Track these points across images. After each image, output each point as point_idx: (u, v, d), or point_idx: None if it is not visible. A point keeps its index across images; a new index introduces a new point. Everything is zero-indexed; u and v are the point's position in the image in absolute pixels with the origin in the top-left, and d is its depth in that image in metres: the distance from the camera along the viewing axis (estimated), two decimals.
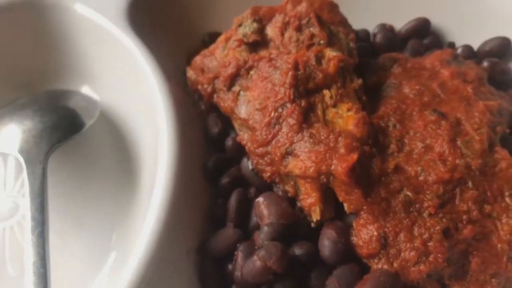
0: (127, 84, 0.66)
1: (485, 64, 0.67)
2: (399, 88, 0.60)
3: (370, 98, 0.60)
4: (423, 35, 0.72)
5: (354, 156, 0.50)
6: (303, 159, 0.52)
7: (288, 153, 0.53)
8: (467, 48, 0.70)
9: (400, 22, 0.74)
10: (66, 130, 0.59)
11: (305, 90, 0.56)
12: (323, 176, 0.51)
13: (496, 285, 0.48)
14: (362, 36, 0.72)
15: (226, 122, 0.62)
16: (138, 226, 0.56)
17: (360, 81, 0.58)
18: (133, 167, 0.63)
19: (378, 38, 0.71)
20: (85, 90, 0.70)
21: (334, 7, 0.65)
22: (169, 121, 0.57)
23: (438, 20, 0.73)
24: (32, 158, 0.56)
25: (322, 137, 0.52)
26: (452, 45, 0.72)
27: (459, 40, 0.72)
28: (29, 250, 0.48)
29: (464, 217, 0.50)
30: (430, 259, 0.48)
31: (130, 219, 0.60)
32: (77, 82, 0.69)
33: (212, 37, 0.75)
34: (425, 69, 0.63)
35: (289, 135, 0.54)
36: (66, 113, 0.62)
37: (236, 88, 0.61)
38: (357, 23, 0.69)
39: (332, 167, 0.50)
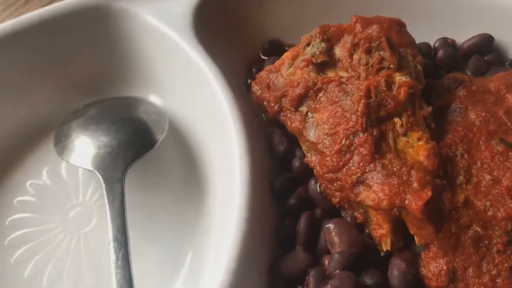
0: (192, 95, 0.67)
1: None
2: (465, 113, 0.61)
3: (436, 122, 0.61)
4: (486, 52, 0.72)
5: (429, 193, 0.51)
6: (376, 190, 0.53)
7: (359, 182, 0.55)
8: None
9: (459, 36, 0.74)
10: (139, 147, 0.61)
11: (376, 118, 0.57)
12: (395, 209, 0.52)
13: None
14: (424, 50, 0.72)
15: (291, 140, 0.64)
16: (212, 242, 0.59)
17: (430, 108, 0.59)
18: (201, 183, 0.64)
19: (441, 54, 0.71)
20: (153, 99, 0.71)
21: (402, 27, 0.65)
22: (239, 135, 0.58)
23: (500, 35, 0.73)
24: (110, 176, 0.58)
25: (395, 169, 0.54)
26: None
27: None
28: (115, 273, 0.51)
29: None
30: None
31: (201, 234, 0.62)
32: (144, 91, 0.70)
33: (272, 45, 0.75)
34: (490, 93, 0.63)
35: (361, 164, 0.55)
36: (138, 128, 0.63)
37: (303, 108, 0.62)
38: (417, 36, 0.69)
39: (406, 202, 0.52)
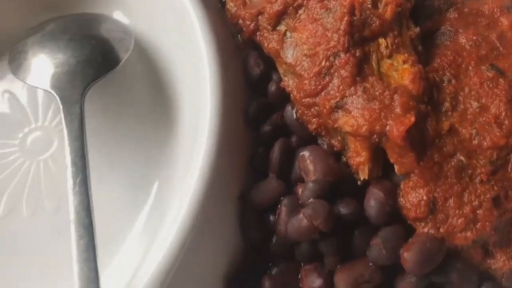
0: (161, 13, 0.61)
1: None
2: (455, 37, 0.56)
3: (424, 45, 0.56)
4: None
5: (412, 118, 0.47)
6: (355, 115, 0.49)
7: (338, 107, 0.51)
8: None
9: None
10: (100, 66, 0.56)
11: (360, 38, 0.52)
12: (375, 136, 0.49)
13: None
14: None
15: (268, 63, 0.59)
16: (179, 172, 0.55)
17: (417, 29, 0.54)
18: (170, 103, 0.60)
19: None
20: (117, 15, 0.65)
21: None
22: (211, 58, 0.53)
23: None
24: (68, 97, 0.53)
25: (377, 93, 0.50)
26: None
27: None
28: (72, 200, 0.47)
29: None
30: (478, 226, 0.48)
31: (171, 158, 0.57)
32: (109, 7, 0.64)
33: None
34: (483, 15, 0.58)
35: (341, 88, 0.51)
36: (99, 46, 0.58)
37: (282, 27, 0.56)
38: None
39: (387, 128, 0.48)
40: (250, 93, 0.59)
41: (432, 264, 0.47)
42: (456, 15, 0.59)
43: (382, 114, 0.49)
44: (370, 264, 0.48)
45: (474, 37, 0.55)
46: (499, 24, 0.57)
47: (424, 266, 0.47)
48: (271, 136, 0.55)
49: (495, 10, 0.58)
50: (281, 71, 0.56)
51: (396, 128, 0.47)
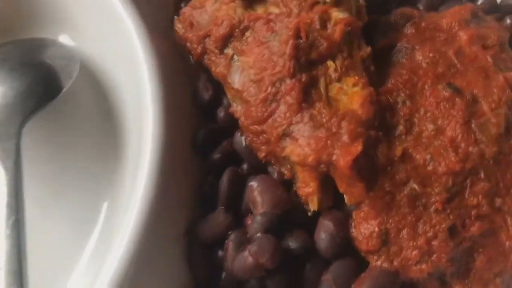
0: (107, 35, 0.59)
1: (508, 21, 0.60)
2: (411, 54, 0.54)
3: (378, 63, 0.53)
4: None
5: (359, 147, 0.45)
6: (301, 144, 0.47)
7: (285, 135, 0.48)
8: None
9: None
10: (41, 96, 0.53)
11: (307, 61, 0.50)
12: (323, 165, 0.46)
13: (500, 284, 0.46)
14: None
15: (218, 87, 0.56)
16: (125, 198, 0.53)
17: (369, 49, 0.52)
18: (117, 129, 0.57)
19: None
20: (63, 38, 0.62)
21: None
22: (153, 81, 0.51)
23: None
24: (3, 132, 0.51)
25: (324, 120, 0.47)
26: None
27: None
28: (3, 243, 0.45)
29: (473, 212, 0.46)
30: (433, 258, 0.45)
31: (117, 188, 0.56)
32: (54, 31, 0.62)
33: None
34: (441, 30, 0.56)
35: (287, 115, 0.48)
36: (41, 74, 0.55)
37: (229, 50, 0.54)
38: None
39: (334, 157, 0.46)
40: (200, 118, 0.57)
41: None
42: (414, 30, 0.56)
43: (329, 142, 0.46)
44: None
45: (431, 54, 0.53)
46: (457, 38, 0.55)
47: None
48: (221, 163, 0.53)
49: (453, 24, 0.56)
50: (229, 96, 0.54)
51: (342, 157, 0.45)
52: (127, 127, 0.57)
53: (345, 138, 0.46)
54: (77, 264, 0.53)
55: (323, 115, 0.48)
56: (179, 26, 0.59)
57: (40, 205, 0.56)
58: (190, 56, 0.59)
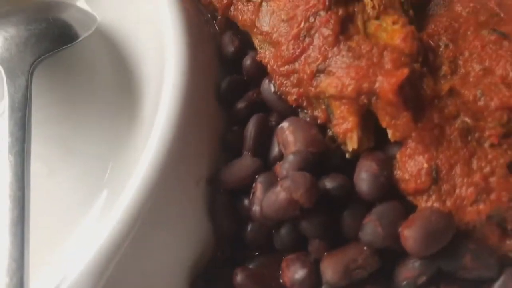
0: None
1: None
2: (450, 6, 0.51)
3: (416, 13, 0.50)
4: None
5: (405, 70, 0.41)
6: (339, 76, 0.43)
7: (320, 71, 0.44)
8: None
9: None
10: (55, 40, 0.50)
11: None
12: (363, 97, 0.42)
13: None
14: None
15: (244, 41, 0.53)
16: (138, 156, 0.48)
17: None
18: (133, 90, 0.54)
19: None
20: (81, 4, 0.60)
21: None
22: (178, 39, 0.48)
23: None
24: (14, 69, 0.47)
25: (364, 51, 0.43)
26: None
27: None
28: (5, 171, 0.40)
29: None
30: (492, 197, 0.39)
31: (129, 148, 0.51)
32: None
33: None
34: None
35: (323, 49, 0.44)
36: (57, 22, 0.52)
37: None
38: None
39: (377, 84, 0.41)
40: (225, 74, 0.53)
41: (439, 242, 0.38)
42: None
43: (371, 71, 0.42)
44: (365, 248, 0.40)
45: (471, 4, 0.50)
46: None
47: (430, 245, 0.38)
48: (246, 113, 0.48)
49: None
50: (256, 43, 0.50)
51: (387, 81, 0.40)
52: (145, 86, 0.53)
53: (388, 66, 0.42)
54: (84, 221, 0.48)
55: (363, 47, 0.44)
56: None
57: (48, 163, 0.51)
58: (214, 22, 0.57)
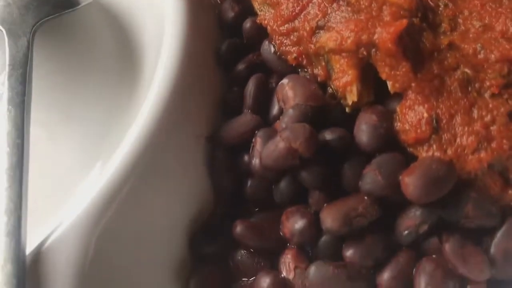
0: None
1: None
2: None
3: None
4: None
5: (403, 21, 0.41)
6: (339, 30, 0.43)
7: (320, 27, 0.44)
8: None
9: None
10: (57, 4, 0.50)
11: None
12: (363, 49, 0.42)
13: None
14: None
15: (244, 8, 0.53)
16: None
17: None
18: (134, 58, 0.54)
19: None
20: None
21: None
22: (177, 6, 0.49)
23: None
24: (16, 30, 0.47)
25: (363, 6, 0.43)
26: None
27: None
28: (4, 121, 0.40)
29: None
30: (493, 145, 0.39)
31: (129, 114, 0.51)
32: None
33: None
34: None
35: (322, 5, 0.45)
36: None
37: None
38: None
39: (376, 35, 0.41)
40: (225, 39, 0.53)
41: (440, 189, 0.38)
42: None
43: (370, 23, 0.42)
44: (365, 197, 0.39)
45: None
46: None
47: (431, 192, 0.38)
48: (247, 74, 0.48)
49: None
50: (256, 6, 0.50)
51: (386, 31, 0.40)
52: (145, 54, 0.54)
53: (387, 18, 0.42)
54: (83, 186, 0.48)
55: (362, 3, 0.44)
56: None
57: (48, 129, 0.51)
58: None
